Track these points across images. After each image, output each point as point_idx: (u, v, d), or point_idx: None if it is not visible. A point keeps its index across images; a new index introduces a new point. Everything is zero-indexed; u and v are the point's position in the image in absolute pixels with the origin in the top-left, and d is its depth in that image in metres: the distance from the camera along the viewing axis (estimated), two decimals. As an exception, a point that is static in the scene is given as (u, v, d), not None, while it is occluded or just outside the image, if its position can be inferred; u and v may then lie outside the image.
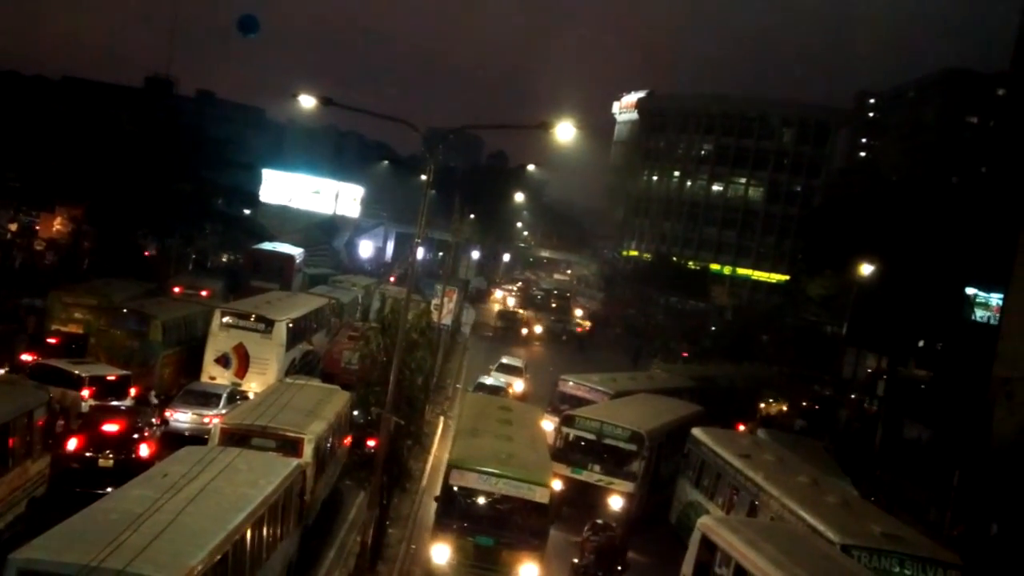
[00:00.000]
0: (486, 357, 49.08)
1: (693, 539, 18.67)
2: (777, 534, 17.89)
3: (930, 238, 46.33)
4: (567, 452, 26.69)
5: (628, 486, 25.91)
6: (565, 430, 27.31)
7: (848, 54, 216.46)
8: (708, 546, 17.90)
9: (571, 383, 34.53)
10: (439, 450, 30.51)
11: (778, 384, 52.06)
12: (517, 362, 43.88)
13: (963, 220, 47.31)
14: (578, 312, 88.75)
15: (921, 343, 48.97)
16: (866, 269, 45.47)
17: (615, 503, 25.60)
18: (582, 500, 24.88)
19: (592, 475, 26.14)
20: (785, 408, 48.36)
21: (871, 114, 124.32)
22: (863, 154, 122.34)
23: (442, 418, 34.78)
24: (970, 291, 53.00)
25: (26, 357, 28.44)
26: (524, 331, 65.71)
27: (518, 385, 40.09)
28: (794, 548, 16.68)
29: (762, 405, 46.33)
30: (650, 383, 37.35)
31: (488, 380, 38.38)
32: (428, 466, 28.59)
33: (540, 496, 19.67)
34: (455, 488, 19.84)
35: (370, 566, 19.84)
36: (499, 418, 24.31)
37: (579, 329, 73.11)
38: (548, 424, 32.37)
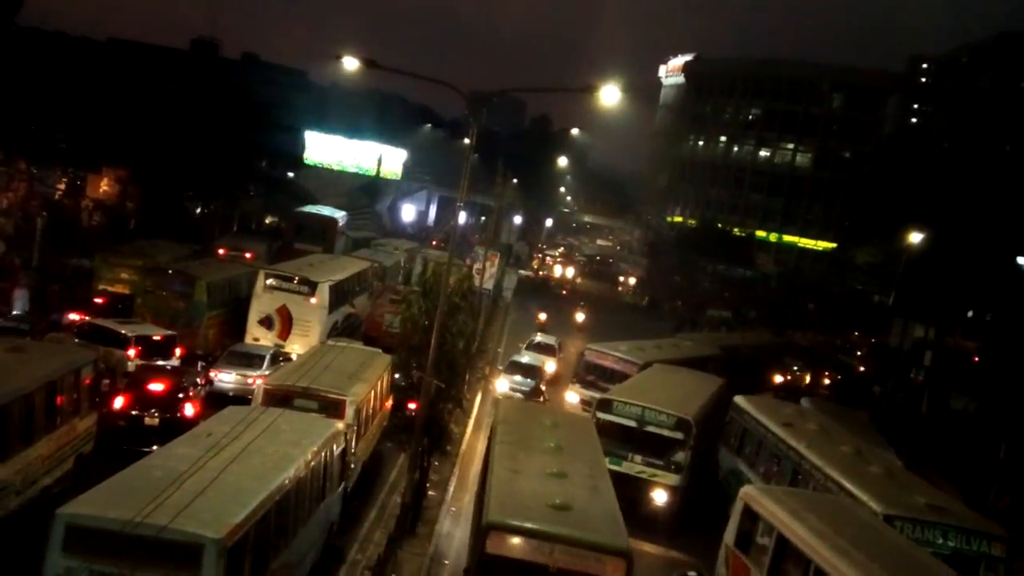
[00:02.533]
0: (526, 326, 49.14)
1: (735, 508, 18.47)
2: (820, 504, 17.68)
3: (982, 207, 45.37)
4: (603, 439, 22.74)
5: (674, 479, 23.49)
6: (601, 416, 24.39)
7: (902, 18, 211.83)
8: (750, 515, 17.75)
9: (598, 353, 33.21)
10: (479, 414, 30.67)
11: (810, 351, 51.71)
12: (551, 340, 41.54)
13: (1016, 189, 46.27)
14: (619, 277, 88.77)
15: (970, 313, 48.13)
16: (915, 238, 44.69)
17: (659, 498, 23.34)
18: (620, 496, 19.32)
19: (633, 467, 23.51)
20: (808, 378, 47.70)
21: (924, 80, 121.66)
22: (915, 120, 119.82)
23: (483, 382, 34.86)
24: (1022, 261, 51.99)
25: (73, 316, 28.87)
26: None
27: (550, 366, 38.01)
28: (837, 519, 16.49)
29: (780, 378, 44.88)
30: (677, 352, 35.90)
31: (524, 359, 36.39)
32: (468, 430, 28.69)
33: (614, 570, 13.96)
34: (494, 558, 14.21)
35: (410, 527, 19.99)
36: (545, 442, 18.33)
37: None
38: (574, 396, 31.70)
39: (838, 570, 14.34)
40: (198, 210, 56.71)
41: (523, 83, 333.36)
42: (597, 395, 28.28)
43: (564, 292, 73.94)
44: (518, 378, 33.99)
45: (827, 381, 48.52)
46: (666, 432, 23.86)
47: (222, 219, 56.99)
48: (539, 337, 41.77)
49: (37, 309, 30.63)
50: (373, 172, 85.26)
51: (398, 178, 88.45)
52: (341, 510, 19.11)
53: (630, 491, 21.64)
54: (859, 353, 58.46)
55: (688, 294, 74.69)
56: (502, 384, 33.80)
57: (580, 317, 54.90)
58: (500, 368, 36.10)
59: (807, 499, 18.18)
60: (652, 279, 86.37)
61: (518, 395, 32.37)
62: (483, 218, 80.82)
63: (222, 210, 57.56)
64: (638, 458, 23.69)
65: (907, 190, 52.01)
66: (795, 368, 47.72)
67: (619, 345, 34.34)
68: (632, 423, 24.15)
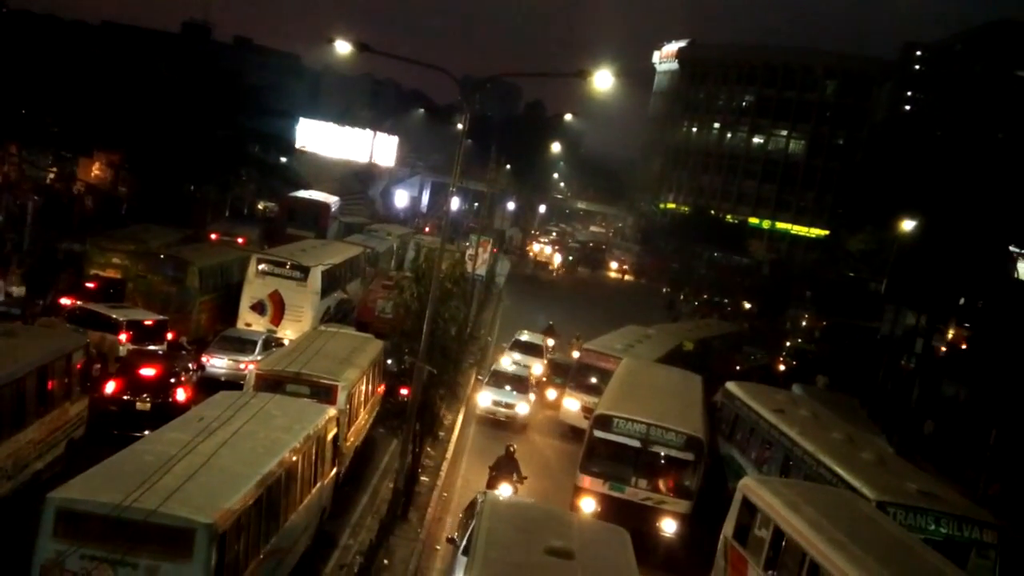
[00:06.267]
0: (519, 311, 49.05)
1: (734, 500, 18.41)
2: (817, 496, 17.60)
3: (975, 194, 45.45)
4: (601, 461, 21.66)
5: (684, 505, 21.00)
6: (598, 434, 21.83)
7: (895, 5, 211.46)
8: (748, 507, 17.70)
9: (597, 354, 30.91)
10: (471, 401, 30.63)
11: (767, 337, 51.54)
12: (537, 339, 38.09)
13: (1008, 176, 46.36)
14: (613, 264, 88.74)
15: (962, 301, 48.25)
16: (908, 225, 44.69)
17: (668, 527, 20.79)
18: (621, 524, 17.45)
19: (638, 492, 21.11)
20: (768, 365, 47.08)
21: (917, 67, 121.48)
22: (908, 108, 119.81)
23: (475, 370, 34.71)
24: (1014, 249, 52.19)
25: (65, 301, 28.76)
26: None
27: (537, 368, 34.51)
28: (833, 510, 16.41)
29: (738, 367, 43.18)
30: (666, 346, 34.08)
31: (509, 368, 31.84)
32: (460, 416, 28.68)
33: None
34: None
35: (402, 513, 20.00)
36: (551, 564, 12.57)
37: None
38: (574, 403, 29.57)
39: (832, 562, 14.35)
40: (191, 194, 56.43)
41: (517, 68, 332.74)
42: (598, 400, 26.55)
43: (555, 275, 76.73)
44: (507, 388, 30.03)
45: (782, 367, 47.13)
46: (674, 452, 21.43)
47: (214, 204, 56.78)
48: (525, 335, 38.12)
49: (28, 293, 30.50)
50: (365, 158, 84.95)
51: (391, 164, 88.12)
52: (333, 495, 19.09)
53: (634, 521, 19.23)
54: (803, 327, 58.33)
55: (686, 281, 74.59)
56: (484, 398, 29.79)
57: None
58: (481, 378, 31.77)
59: (805, 490, 18.07)
60: (646, 266, 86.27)
61: (501, 410, 29.30)
62: (476, 204, 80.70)
63: (214, 195, 57.35)
64: (643, 483, 21.29)
65: (900, 177, 52.12)
66: (753, 356, 46.47)
67: (614, 344, 32.48)
68: (635, 443, 21.52)
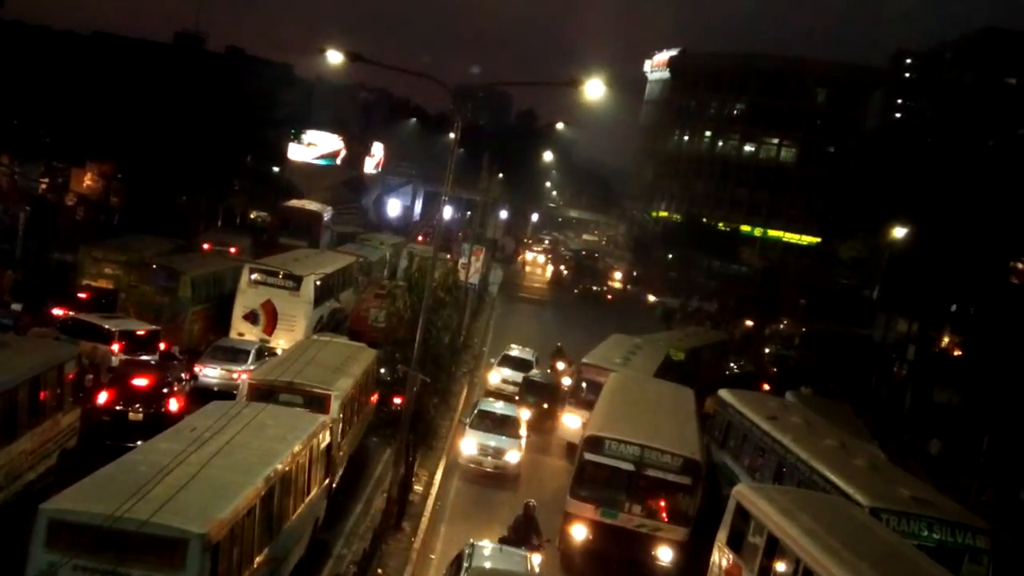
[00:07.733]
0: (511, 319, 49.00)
1: (728, 507, 18.39)
2: (811, 503, 17.61)
3: (965, 201, 45.61)
4: (592, 486, 20.45)
5: (681, 532, 19.79)
6: (590, 457, 20.49)
7: (885, 13, 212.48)
8: (742, 514, 17.68)
9: (596, 368, 29.63)
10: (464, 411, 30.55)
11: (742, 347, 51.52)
12: (528, 354, 36.78)
13: (999, 183, 46.54)
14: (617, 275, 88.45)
15: (954, 308, 48.38)
16: (899, 232, 44.79)
17: (664, 556, 19.63)
18: (614, 552, 18.45)
19: (632, 519, 19.91)
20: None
21: (908, 74, 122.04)
22: (899, 115, 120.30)
23: (468, 377, 34.64)
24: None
25: (57, 311, 28.71)
26: None
27: None
28: (827, 517, 16.44)
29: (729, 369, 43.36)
30: (654, 357, 33.44)
31: (495, 407, 27.78)
32: (454, 424, 28.63)
33: None
34: None
35: (396, 522, 19.98)
36: None
37: (609, 296, 73.39)
38: (575, 420, 28.46)
39: (825, 568, 14.35)
40: (183, 204, 56.41)
41: (508, 77, 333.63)
42: None
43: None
44: (492, 434, 26.04)
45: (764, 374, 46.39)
46: (671, 476, 20.09)
47: (206, 214, 56.75)
48: (515, 350, 36.83)
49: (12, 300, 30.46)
50: (357, 167, 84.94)
51: (372, 171, 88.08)
52: (327, 504, 19.07)
53: (628, 548, 19.44)
54: (779, 332, 58.25)
55: (686, 290, 74.48)
56: (468, 444, 25.76)
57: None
58: (465, 421, 27.16)
59: (798, 497, 18.10)
60: (644, 275, 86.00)
61: (489, 459, 25.46)
62: (468, 213, 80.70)
63: (206, 205, 57.32)
64: (637, 508, 20.05)
65: (891, 185, 52.29)
66: (738, 365, 45.93)
67: (612, 357, 31.34)
68: (629, 466, 20.21)
